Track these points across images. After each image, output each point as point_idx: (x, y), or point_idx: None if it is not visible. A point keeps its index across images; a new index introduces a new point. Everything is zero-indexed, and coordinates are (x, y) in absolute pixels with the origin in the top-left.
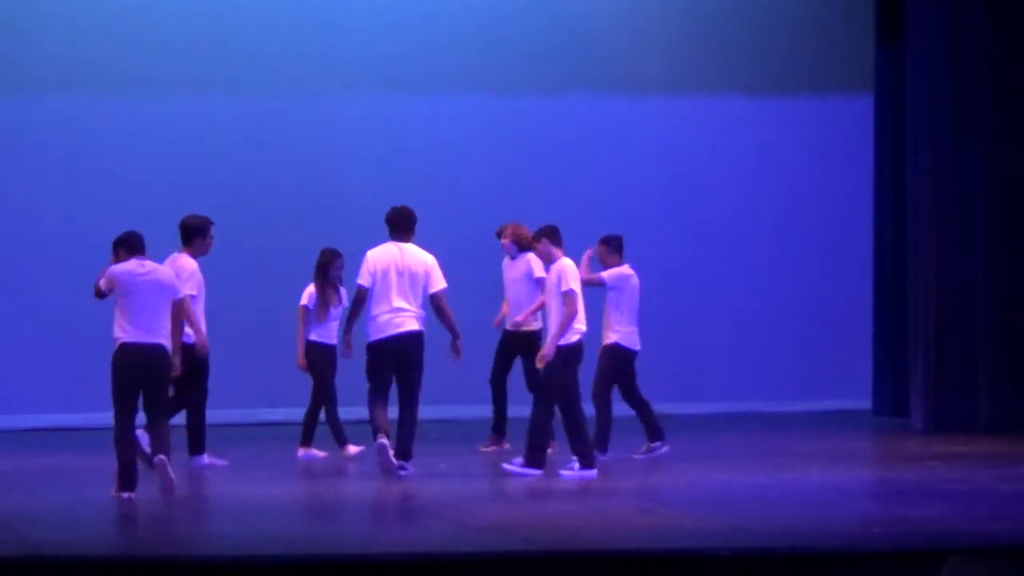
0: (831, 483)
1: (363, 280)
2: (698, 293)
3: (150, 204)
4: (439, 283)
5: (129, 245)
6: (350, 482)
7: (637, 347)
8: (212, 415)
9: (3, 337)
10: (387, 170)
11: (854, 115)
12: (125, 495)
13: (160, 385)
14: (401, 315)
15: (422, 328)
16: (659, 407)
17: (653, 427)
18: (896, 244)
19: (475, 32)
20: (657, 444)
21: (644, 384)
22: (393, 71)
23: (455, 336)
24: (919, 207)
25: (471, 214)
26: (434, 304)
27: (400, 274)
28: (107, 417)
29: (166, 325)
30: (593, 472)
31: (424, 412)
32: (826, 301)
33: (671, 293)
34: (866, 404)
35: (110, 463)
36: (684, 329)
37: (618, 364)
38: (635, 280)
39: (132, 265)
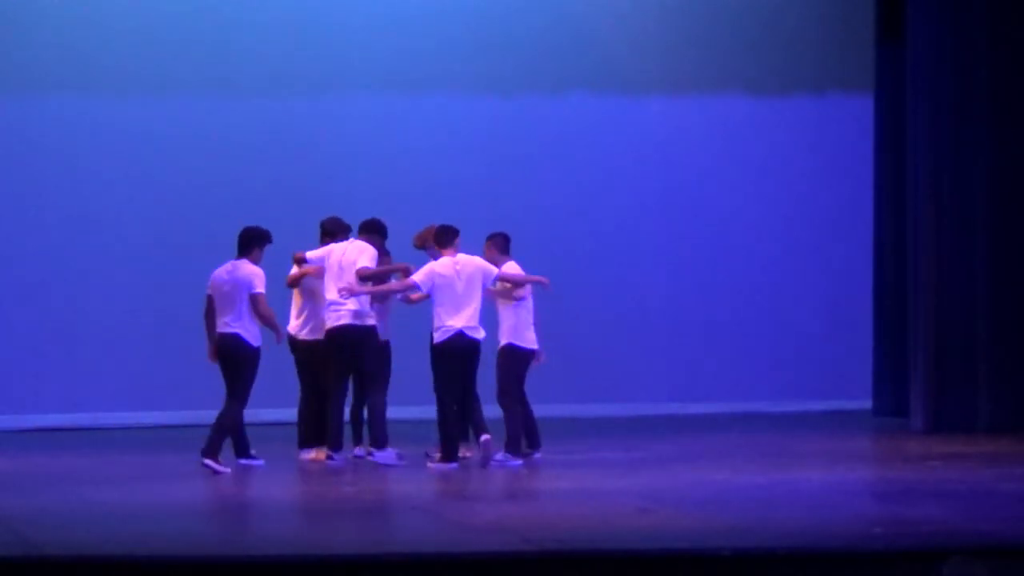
0: (831, 483)
1: (312, 251)
2: (698, 293)
3: (151, 204)
4: (360, 263)
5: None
6: (350, 482)
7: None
8: (212, 415)
9: (3, 337)
10: (387, 170)
11: (854, 115)
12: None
13: (231, 369)
14: (339, 309)
15: (355, 321)
16: (660, 407)
17: (532, 436)
18: (896, 244)
19: (475, 32)
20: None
21: (645, 384)
22: (393, 71)
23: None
24: (919, 207)
25: (470, 214)
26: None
27: (341, 268)
28: (107, 417)
29: (242, 316)
30: (455, 465)
31: (421, 413)
32: (826, 301)
33: (671, 293)
34: (866, 404)
35: (110, 463)
36: (684, 329)
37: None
38: None
39: (225, 266)
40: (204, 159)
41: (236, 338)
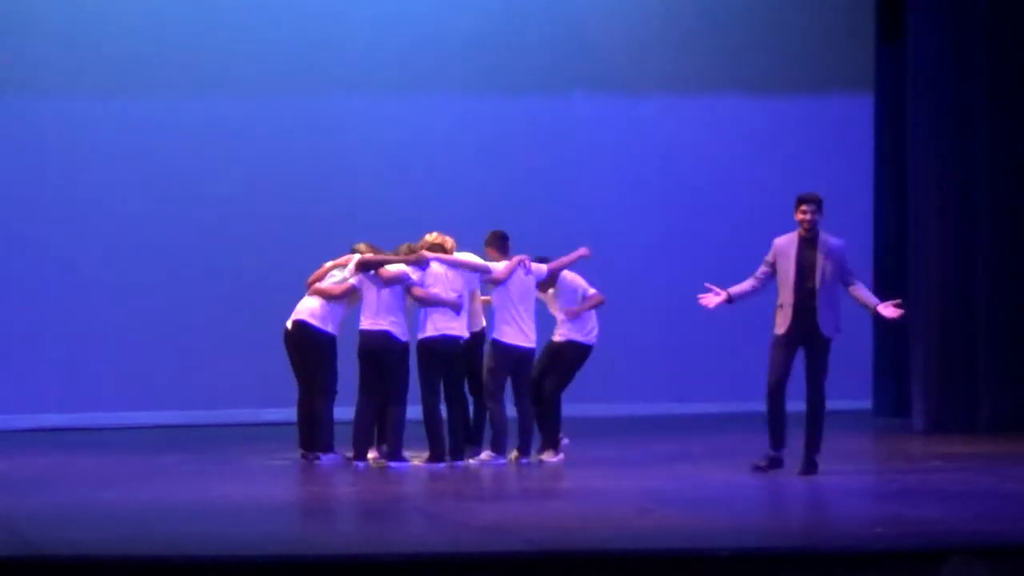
0: (831, 483)
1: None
2: (697, 292)
3: (150, 204)
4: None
5: None
6: (349, 483)
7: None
8: (212, 415)
9: (3, 337)
10: (387, 170)
11: (854, 115)
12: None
13: (377, 369)
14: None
15: (304, 319)
16: (660, 407)
17: (552, 435)
18: (896, 244)
19: (475, 32)
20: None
21: (644, 384)
22: (394, 71)
23: None
24: (919, 207)
25: (470, 214)
26: None
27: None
28: (107, 417)
29: (393, 312)
30: (441, 465)
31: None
32: None
33: (670, 293)
34: (866, 404)
35: (110, 463)
36: (683, 329)
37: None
38: None
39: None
40: (204, 159)
41: (386, 336)
